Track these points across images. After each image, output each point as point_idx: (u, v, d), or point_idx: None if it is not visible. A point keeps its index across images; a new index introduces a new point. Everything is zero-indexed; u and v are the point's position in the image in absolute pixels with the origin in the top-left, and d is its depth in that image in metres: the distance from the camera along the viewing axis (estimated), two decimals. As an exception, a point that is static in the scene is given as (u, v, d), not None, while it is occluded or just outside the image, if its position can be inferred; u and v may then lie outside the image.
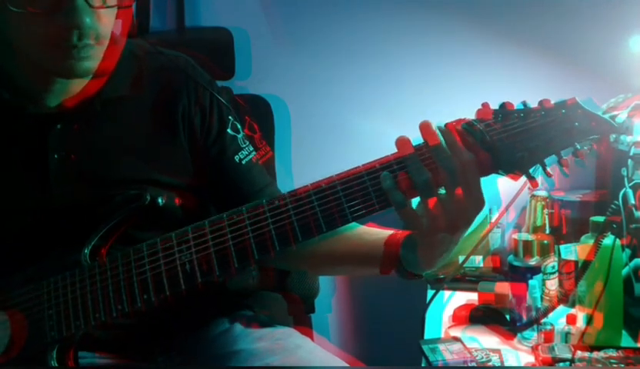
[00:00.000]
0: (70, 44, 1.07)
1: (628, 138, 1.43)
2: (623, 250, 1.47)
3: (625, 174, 1.47)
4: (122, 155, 1.23)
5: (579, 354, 1.39)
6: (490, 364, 1.41)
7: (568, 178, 1.91)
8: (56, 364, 1.07)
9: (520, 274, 1.61)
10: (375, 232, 1.20)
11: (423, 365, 1.42)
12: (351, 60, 2.08)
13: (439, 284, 1.70)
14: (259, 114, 1.85)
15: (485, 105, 1.01)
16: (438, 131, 0.98)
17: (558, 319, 1.55)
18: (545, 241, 1.71)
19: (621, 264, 1.47)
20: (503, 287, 1.66)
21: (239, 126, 1.32)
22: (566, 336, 1.47)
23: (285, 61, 2.09)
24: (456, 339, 1.48)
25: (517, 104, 1.01)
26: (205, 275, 1.03)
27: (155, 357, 1.29)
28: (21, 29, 1.09)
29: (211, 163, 1.29)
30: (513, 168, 0.99)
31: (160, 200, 1.12)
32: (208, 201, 1.32)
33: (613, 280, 1.43)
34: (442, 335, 1.57)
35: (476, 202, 0.98)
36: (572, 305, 1.56)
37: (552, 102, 1.01)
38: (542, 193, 1.82)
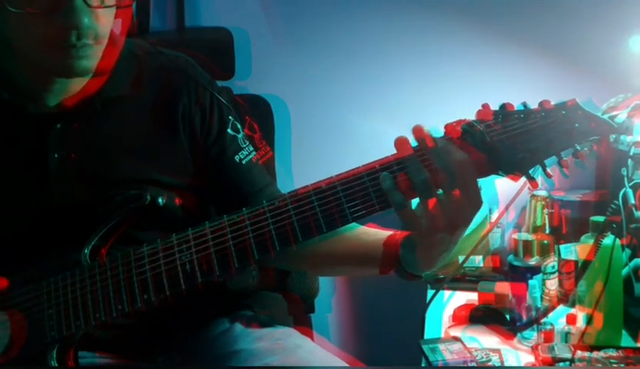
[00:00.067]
0: (69, 44, 1.07)
1: (628, 138, 1.44)
2: (623, 250, 1.47)
3: (624, 174, 1.47)
4: (122, 155, 1.23)
5: (579, 353, 1.39)
6: (490, 363, 1.41)
7: (568, 179, 1.93)
8: (56, 364, 1.07)
9: (520, 274, 1.61)
10: (374, 232, 1.20)
11: (423, 365, 1.42)
12: (351, 60, 2.08)
13: (439, 284, 1.71)
14: (259, 114, 1.85)
15: (485, 106, 1.01)
16: (431, 134, 0.99)
17: (558, 319, 1.55)
18: (545, 241, 1.71)
19: (621, 264, 1.47)
20: (503, 287, 1.66)
21: (239, 126, 1.32)
22: (566, 336, 1.47)
23: (285, 61, 2.09)
24: (456, 339, 1.48)
25: (517, 105, 1.02)
26: (205, 275, 1.03)
27: (155, 357, 1.29)
28: (19, 29, 1.09)
29: (211, 163, 1.29)
30: (513, 169, 0.99)
31: (160, 200, 1.12)
32: (209, 201, 1.32)
33: (613, 280, 1.43)
34: (442, 335, 1.57)
35: (474, 202, 0.99)
36: (572, 305, 1.56)
37: (552, 103, 1.02)
38: (542, 193, 1.82)
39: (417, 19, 2.04)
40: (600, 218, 1.45)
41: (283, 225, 1.01)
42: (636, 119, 1.36)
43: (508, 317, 1.59)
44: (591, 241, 1.44)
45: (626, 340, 1.48)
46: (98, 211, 1.13)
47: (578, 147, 1.00)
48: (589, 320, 1.45)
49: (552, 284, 1.62)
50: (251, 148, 1.32)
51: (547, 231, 1.81)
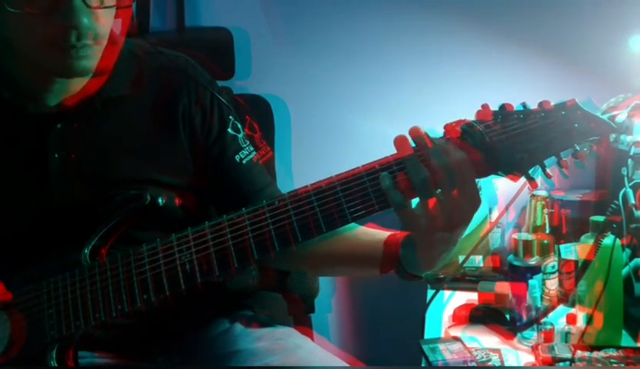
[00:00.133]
0: (68, 44, 1.07)
1: (628, 138, 1.44)
2: (623, 249, 1.47)
3: (624, 173, 1.47)
4: (122, 155, 1.23)
5: (579, 353, 1.39)
6: (490, 363, 1.41)
7: (568, 179, 1.93)
8: (56, 364, 1.07)
9: (520, 274, 1.61)
10: (374, 233, 1.20)
11: (423, 365, 1.42)
12: (351, 60, 2.08)
13: (439, 284, 1.70)
14: (259, 114, 1.85)
15: (485, 106, 1.01)
16: (428, 134, 0.99)
17: (558, 319, 1.55)
18: (545, 241, 1.71)
19: (621, 263, 1.47)
20: (503, 287, 1.66)
21: (240, 126, 1.32)
22: (566, 336, 1.47)
23: (285, 61, 2.09)
24: (456, 339, 1.48)
25: (516, 106, 1.02)
26: (205, 275, 1.03)
27: (154, 357, 1.29)
28: (19, 30, 1.09)
29: (211, 163, 1.29)
30: (512, 169, 0.99)
31: (160, 200, 1.12)
32: (209, 201, 1.32)
33: (613, 280, 1.43)
34: (442, 335, 1.57)
35: (472, 201, 0.99)
36: (572, 305, 1.56)
37: (552, 104, 1.02)
38: (542, 193, 1.82)
39: (417, 19, 2.04)
40: (600, 218, 1.45)
41: (282, 225, 1.01)
42: (636, 119, 1.36)
43: (508, 317, 1.59)
44: (591, 241, 1.43)
45: (626, 340, 1.48)
46: (98, 211, 1.13)
47: (578, 148, 1.00)
48: (589, 320, 1.45)
49: (552, 284, 1.62)
50: (252, 148, 1.32)
51: (547, 231, 1.81)
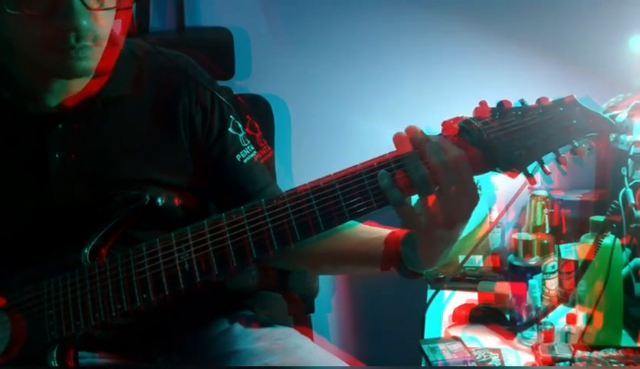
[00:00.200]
0: (68, 45, 1.07)
1: (628, 138, 1.44)
2: (623, 249, 1.47)
3: (624, 173, 1.47)
4: (123, 155, 1.23)
5: (579, 353, 1.39)
6: (490, 363, 1.41)
7: (568, 178, 1.93)
8: (56, 364, 1.07)
9: (520, 274, 1.61)
10: (375, 231, 1.20)
11: (423, 365, 1.42)
12: (351, 60, 2.08)
13: (439, 284, 1.70)
14: (259, 114, 1.85)
15: (483, 103, 1.01)
16: (424, 133, 0.99)
17: (558, 319, 1.55)
18: (545, 241, 1.71)
19: (621, 263, 1.47)
20: (503, 287, 1.66)
21: (240, 125, 1.32)
22: (566, 335, 1.47)
23: (285, 61, 2.09)
24: (456, 339, 1.48)
25: (514, 102, 1.01)
26: (204, 274, 1.03)
27: (154, 357, 1.29)
28: (18, 31, 1.09)
29: (212, 162, 1.29)
30: (511, 166, 0.99)
31: (159, 200, 1.13)
32: (209, 201, 1.32)
33: (613, 279, 1.43)
34: (442, 335, 1.57)
35: (470, 198, 0.98)
36: (572, 305, 1.56)
37: (550, 100, 1.01)
38: (542, 192, 1.82)
39: (417, 19, 2.04)
40: (600, 218, 1.45)
41: (281, 224, 1.01)
42: (636, 119, 1.36)
43: (508, 317, 1.59)
44: (591, 241, 1.43)
45: (626, 340, 1.48)
46: (98, 211, 1.13)
47: (577, 144, 0.99)
48: (589, 320, 1.45)
49: (552, 284, 1.62)
50: (253, 147, 1.32)
51: (547, 231, 1.81)
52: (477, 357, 1.41)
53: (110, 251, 1.11)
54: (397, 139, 1.00)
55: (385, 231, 1.18)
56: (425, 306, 1.64)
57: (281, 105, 2.06)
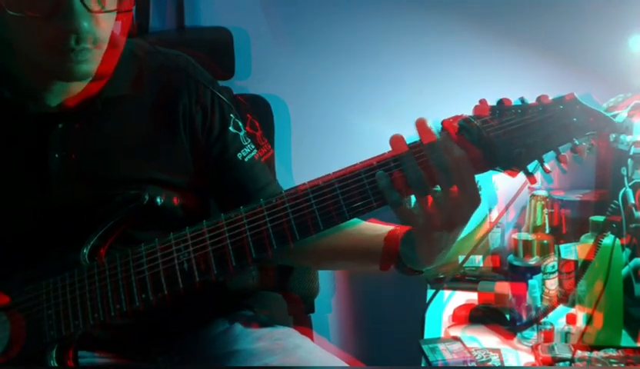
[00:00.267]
0: (68, 48, 1.07)
1: (628, 138, 1.43)
2: (623, 249, 1.47)
3: (624, 173, 1.47)
4: (123, 155, 1.23)
5: (579, 353, 1.39)
6: (490, 363, 1.41)
7: (568, 178, 1.93)
8: (56, 364, 1.07)
9: (520, 274, 1.61)
10: (375, 228, 1.20)
11: (423, 365, 1.42)
12: (351, 60, 2.08)
13: (439, 284, 1.71)
14: (259, 114, 1.85)
15: (483, 102, 1.01)
16: (433, 129, 0.98)
17: (557, 319, 1.55)
18: (545, 241, 1.71)
19: (621, 263, 1.47)
20: (503, 287, 1.66)
21: (241, 124, 1.32)
22: (566, 336, 1.47)
23: (285, 61, 2.09)
24: (456, 339, 1.48)
25: (514, 101, 1.01)
26: (203, 274, 1.03)
27: (154, 356, 1.29)
28: (19, 32, 1.09)
29: (213, 161, 1.29)
30: (511, 165, 0.99)
31: (158, 199, 1.13)
32: (209, 200, 1.32)
33: (613, 279, 1.43)
34: (442, 335, 1.57)
35: (471, 199, 0.98)
36: (572, 305, 1.56)
37: (550, 98, 1.01)
38: (542, 192, 1.82)
39: (417, 19, 2.03)
40: (600, 218, 1.45)
41: (280, 224, 1.01)
42: (636, 119, 1.36)
43: (508, 317, 1.59)
44: (591, 241, 1.43)
45: (626, 340, 1.48)
46: (97, 211, 1.13)
47: (577, 142, 0.99)
48: (589, 320, 1.45)
49: (552, 284, 1.62)
50: (253, 146, 1.32)
51: (547, 231, 1.81)
52: (477, 357, 1.41)
53: (109, 251, 1.11)
54: (394, 140, 1.00)
55: (386, 228, 1.18)
56: (424, 306, 1.64)
57: (281, 105, 2.06)
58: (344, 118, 2.10)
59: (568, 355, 1.39)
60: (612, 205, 1.42)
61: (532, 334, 1.51)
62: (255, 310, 1.42)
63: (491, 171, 1.00)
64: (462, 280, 1.80)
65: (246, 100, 1.86)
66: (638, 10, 1.86)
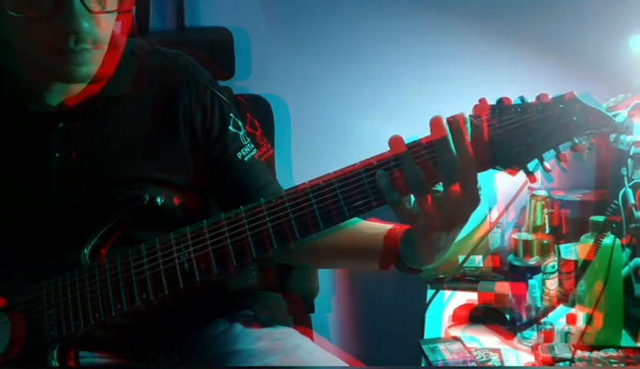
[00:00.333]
0: (67, 48, 1.07)
1: (628, 138, 1.43)
2: (623, 249, 1.47)
3: (624, 173, 1.47)
4: (123, 154, 1.23)
5: (579, 353, 1.39)
6: (490, 363, 1.41)
7: (568, 178, 1.93)
8: (57, 364, 1.07)
9: (520, 274, 1.61)
10: (375, 227, 1.20)
11: (423, 365, 1.42)
12: (351, 60, 2.08)
13: (439, 284, 1.71)
14: (259, 114, 1.84)
15: (482, 101, 1.01)
16: (447, 127, 0.98)
17: (557, 319, 1.55)
18: (545, 241, 1.71)
19: (621, 263, 1.47)
20: (503, 287, 1.66)
21: (240, 123, 1.32)
22: (566, 336, 1.47)
23: (285, 61, 2.09)
24: (456, 339, 1.48)
25: (514, 100, 1.01)
26: (204, 274, 1.03)
27: (154, 356, 1.29)
28: (19, 33, 1.09)
29: (212, 161, 1.29)
30: (511, 163, 0.99)
31: (159, 199, 1.13)
32: (210, 200, 1.32)
33: (613, 279, 1.43)
34: (442, 335, 1.57)
35: (472, 199, 0.99)
36: (572, 305, 1.56)
37: (550, 97, 1.01)
38: (542, 192, 1.82)
39: (417, 19, 2.03)
40: (600, 218, 1.45)
41: (280, 223, 1.01)
42: (636, 119, 1.36)
43: (508, 317, 1.59)
44: (591, 241, 1.43)
45: (626, 340, 1.48)
46: (98, 210, 1.13)
47: (577, 141, 0.99)
48: (589, 320, 1.45)
49: (552, 284, 1.62)
50: (253, 145, 1.32)
51: (547, 231, 1.81)
52: (477, 357, 1.41)
53: (110, 251, 1.11)
54: (392, 141, 1.00)
55: (386, 227, 1.18)
56: (425, 306, 1.64)
57: (281, 105, 2.06)
58: (344, 118, 2.10)
59: (568, 355, 1.39)
60: (612, 205, 1.42)
61: (532, 334, 1.51)
62: (255, 310, 1.42)
63: (491, 170, 1.01)
64: (462, 280, 1.80)
65: (246, 100, 1.86)
66: (638, 10, 1.86)
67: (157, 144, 1.25)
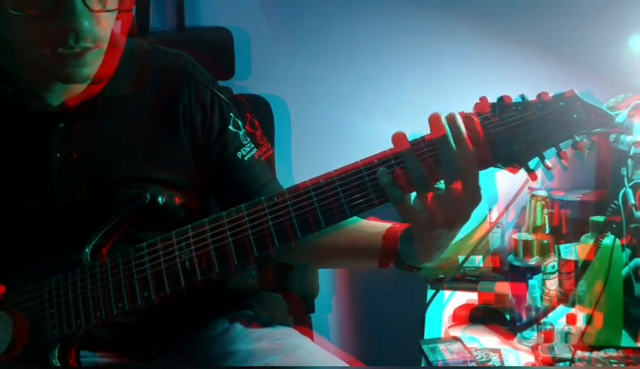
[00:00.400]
0: (67, 46, 1.07)
1: (628, 138, 1.43)
2: (623, 250, 1.47)
3: (624, 173, 1.47)
4: (124, 154, 1.23)
5: (579, 353, 1.39)
6: (490, 363, 1.41)
7: (568, 178, 1.93)
8: (58, 363, 1.07)
9: (520, 274, 1.61)
10: (374, 225, 1.20)
11: (423, 365, 1.42)
12: (351, 60, 2.08)
13: (439, 284, 1.71)
14: (259, 114, 1.84)
15: (483, 99, 1.01)
16: (446, 124, 0.98)
17: (558, 319, 1.55)
18: (545, 241, 1.71)
19: (621, 263, 1.47)
20: (503, 287, 1.66)
21: (240, 123, 1.32)
22: (566, 336, 1.47)
23: (285, 61, 2.09)
24: (456, 339, 1.48)
25: (515, 98, 1.01)
26: (205, 272, 1.03)
27: (154, 356, 1.29)
28: (20, 32, 1.09)
29: (213, 160, 1.29)
30: (511, 161, 0.99)
31: (160, 199, 1.13)
32: (210, 199, 1.32)
33: (613, 280, 1.43)
34: (442, 335, 1.57)
35: (473, 197, 0.99)
36: (572, 305, 1.56)
37: (550, 95, 1.01)
38: (542, 193, 1.82)
39: (417, 19, 2.04)
40: (600, 218, 1.45)
41: (282, 221, 1.01)
42: (636, 119, 1.36)
43: (508, 317, 1.59)
44: (591, 241, 1.44)
45: (626, 340, 1.48)
46: (99, 210, 1.13)
47: (577, 139, 0.99)
48: (589, 320, 1.45)
49: (552, 284, 1.62)
50: (253, 145, 1.32)
51: (547, 231, 1.81)
52: (477, 358, 1.41)
53: (111, 251, 1.11)
54: (395, 138, 1.00)
55: (385, 226, 1.18)
56: (425, 306, 1.64)
57: (281, 105, 2.06)
58: (344, 118, 2.10)
59: (568, 355, 1.39)
60: (612, 205, 1.42)
61: (532, 334, 1.51)
62: (255, 310, 1.42)
63: (492, 169, 1.01)
64: (462, 280, 1.80)
65: (246, 100, 1.86)
66: (638, 10, 1.86)
67: (157, 144, 1.25)
